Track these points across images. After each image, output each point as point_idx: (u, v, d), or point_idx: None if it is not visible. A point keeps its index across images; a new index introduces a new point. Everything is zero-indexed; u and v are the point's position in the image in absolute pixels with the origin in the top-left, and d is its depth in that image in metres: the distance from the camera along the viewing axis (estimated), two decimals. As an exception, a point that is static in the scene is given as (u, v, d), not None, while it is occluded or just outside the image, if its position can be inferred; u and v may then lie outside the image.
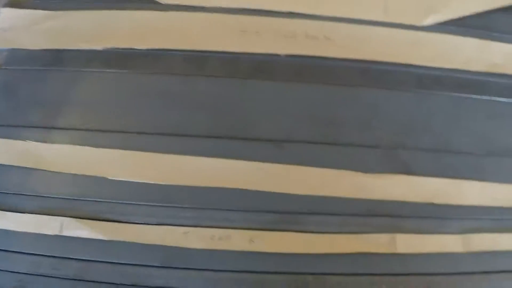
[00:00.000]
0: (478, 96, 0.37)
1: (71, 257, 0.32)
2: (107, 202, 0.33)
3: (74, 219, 0.32)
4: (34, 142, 0.34)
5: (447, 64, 0.37)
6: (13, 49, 0.37)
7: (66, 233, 0.32)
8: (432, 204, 0.33)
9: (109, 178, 0.33)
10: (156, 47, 0.36)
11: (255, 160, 0.33)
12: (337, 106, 0.35)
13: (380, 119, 0.35)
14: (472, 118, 0.36)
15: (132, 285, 0.31)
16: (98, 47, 0.36)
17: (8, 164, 0.34)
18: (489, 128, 0.36)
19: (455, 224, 0.34)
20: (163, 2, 0.38)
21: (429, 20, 0.39)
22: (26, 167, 0.33)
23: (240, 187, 0.32)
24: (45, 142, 0.34)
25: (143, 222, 0.32)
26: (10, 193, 0.33)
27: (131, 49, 0.36)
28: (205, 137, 0.33)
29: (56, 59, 0.37)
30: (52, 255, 0.32)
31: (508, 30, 0.40)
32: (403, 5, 0.39)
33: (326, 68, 0.35)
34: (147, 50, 0.36)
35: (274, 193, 0.32)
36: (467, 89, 0.37)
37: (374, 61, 0.36)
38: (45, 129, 0.34)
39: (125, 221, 0.32)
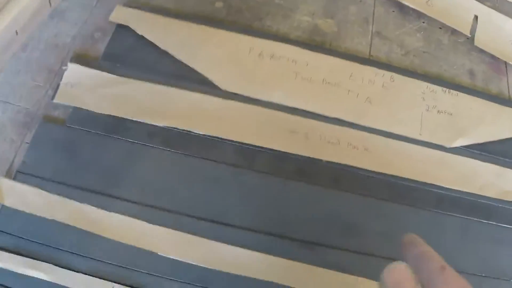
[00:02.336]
0: (486, 221, 0.41)
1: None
2: (151, 274, 0.36)
3: (123, 286, 0.36)
4: (90, 206, 0.37)
5: (465, 187, 0.42)
6: (78, 108, 0.40)
7: (115, 298, 0.36)
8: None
9: (159, 253, 0.36)
10: (212, 134, 0.39)
11: (287, 258, 0.37)
12: (364, 216, 0.39)
13: (400, 233, 0.39)
14: (477, 241, 0.41)
15: None
16: (160, 124, 0.39)
17: (63, 222, 0.37)
18: (491, 252, 0.41)
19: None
20: (222, 88, 0.41)
21: (457, 143, 0.43)
22: (81, 229, 0.37)
23: (270, 280, 0.36)
24: (101, 208, 0.37)
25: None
26: (64, 250, 0.36)
27: (189, 131, 0.39)
28: (246, 229, 0.37)
29: (119, 127, 0.40)
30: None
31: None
32: (436, 126, 0.43)
33: (360, 179, 0.40)
34: (204, 135, 0.39)
35: (298, 290, 0.36)
36: (478, 213, 0.41)
37: (402, 177, 0.40)
38: (102, 195, 0.37)
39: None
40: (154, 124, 0.40)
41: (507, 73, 0.49)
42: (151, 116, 0.40)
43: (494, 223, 0.42)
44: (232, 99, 0.41)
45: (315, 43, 0.45)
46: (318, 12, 0.47)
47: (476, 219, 0.41)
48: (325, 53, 0.44)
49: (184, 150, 0.39)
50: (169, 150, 0.39)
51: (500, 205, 0.42)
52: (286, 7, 0.47)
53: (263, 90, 0.41)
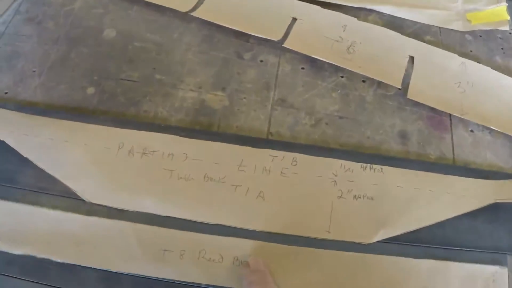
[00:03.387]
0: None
1: None
2: None
3: None
4: None
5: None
6: None
7: None
8: None
9: None
10: (71, 261, 0.33)
11: None
12: None
13: None
14: None
15: None
16: (17, 252, 0.34)
17: None
18: None
19: None
20: (86, 200, 0.35)
21: (379, 236, 0.34)
22: None
23: None
24: None
25: None
26: None
27: (47, 259, 0.34)
28: None
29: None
30: None
31: (470, 244, 0.35)
32: (351, 217, 0.34)
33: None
34: (63, 262, 0.34)
35: None
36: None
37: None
38: None
39: None
40: (11, 252, 0.34)
41: (451, 129, 0.39)
42: (9, 243, 0.34)
43: None
44: (96, 214, 0.34)
45: (201, 126, 0.38)
46: (206, 83, 0.40)
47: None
48: (211, 139, 0.37)
49: (42, 280, 0.33)
50: (27, 281, 0.34)
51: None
52: (168, 82, 0.40)
53: (131, 199, 0.35)
